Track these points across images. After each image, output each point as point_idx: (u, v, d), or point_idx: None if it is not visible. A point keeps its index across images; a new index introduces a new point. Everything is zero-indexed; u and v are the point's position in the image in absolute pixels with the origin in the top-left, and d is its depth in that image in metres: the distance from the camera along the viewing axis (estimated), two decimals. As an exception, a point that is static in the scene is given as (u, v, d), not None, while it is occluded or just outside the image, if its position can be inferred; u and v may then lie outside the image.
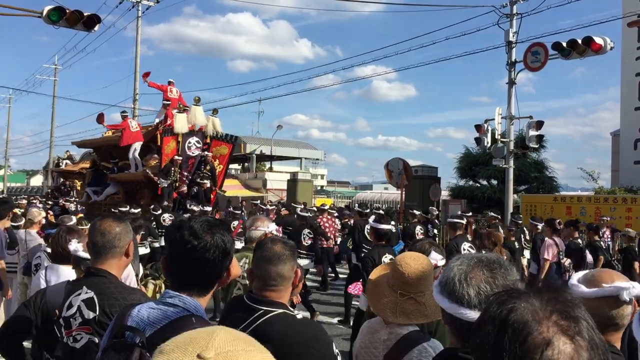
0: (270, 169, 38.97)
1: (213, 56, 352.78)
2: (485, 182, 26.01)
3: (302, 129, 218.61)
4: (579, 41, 14.10)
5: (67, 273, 3.41)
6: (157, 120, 17.10)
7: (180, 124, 15.31)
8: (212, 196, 15.74)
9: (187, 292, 1.76)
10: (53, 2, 11.93)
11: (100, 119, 16.89)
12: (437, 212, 16.50)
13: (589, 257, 8.96)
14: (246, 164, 40.15)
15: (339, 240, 13.02)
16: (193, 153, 15.61)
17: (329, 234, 11.87)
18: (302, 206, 14.21)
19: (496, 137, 16.74)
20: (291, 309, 2.28)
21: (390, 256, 6.09)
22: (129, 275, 3.90)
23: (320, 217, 12.24)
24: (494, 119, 16.68)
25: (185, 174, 15.44)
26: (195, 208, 12.53)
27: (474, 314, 1.50)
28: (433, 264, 3.04)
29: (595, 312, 2.00)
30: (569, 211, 16.88)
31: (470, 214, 14.12)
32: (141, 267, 4.48)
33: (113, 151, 16.98)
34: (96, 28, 12.42)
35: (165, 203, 13.97)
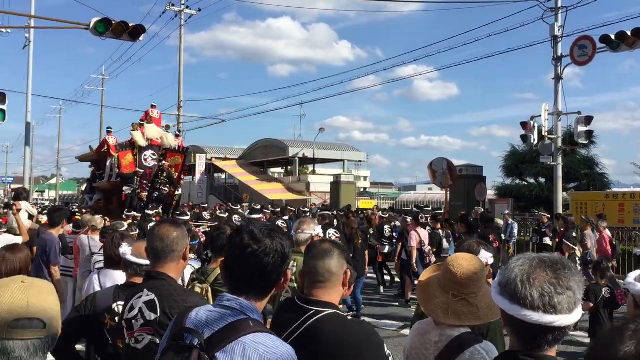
0: (313, 172, 39.06)
1: (253, 62, 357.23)
2: (532, 181, 25.52)
3: (344, 131, 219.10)
4: (629, 33, 13.66)
5: (121, 277, 3.48)
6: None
7: (138, 138, 17.87)
8: (172, 200, 18.27)
9: (245, 296, 1.78)
10: (99, 14, 12.29)
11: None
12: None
13: (446, 244, 11.02)
14: (289, 167, 40.38)
15: None
16: (149, 164, 18.03)
17: None
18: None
19: (543, 134, 16.36)
20: (342, 310, 2.27)
21: None
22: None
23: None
24: (540, 116, 16.33)
25: (145, 182, 17.67)
26: (149, 212, 14.12)
27: (537, 316, 1.46)
28: (484, 262, 2.98)
29: None
30: (621, 208, 16.32)
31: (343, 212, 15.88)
32: (188, 272, 4.52)
33: (100, 163, 19.55)
34: (141, 38, 12.72)
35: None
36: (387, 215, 14.37)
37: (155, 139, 18.31)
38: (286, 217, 14.65)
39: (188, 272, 4.40)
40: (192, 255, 5.28)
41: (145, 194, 17.48)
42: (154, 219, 13.02)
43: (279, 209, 16.37)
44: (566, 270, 1.51)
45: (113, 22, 12.05)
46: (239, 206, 20.36)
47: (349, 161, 39.48)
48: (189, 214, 15.27)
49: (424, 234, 10.81)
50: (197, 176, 36.15)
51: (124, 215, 13.54)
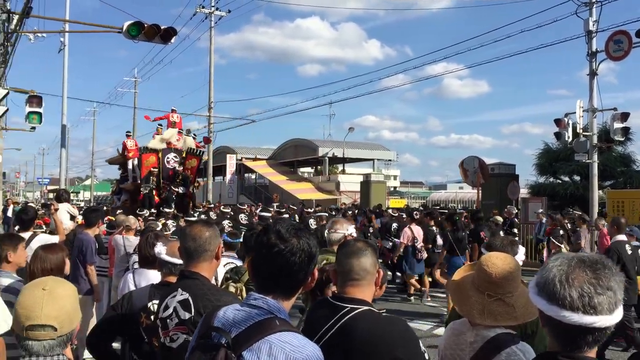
0: (343, 172, 39.02)
1: (282, 62, 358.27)
2: (567, 179, 25.08)
3: (373, 130, 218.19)
4: (666, 26, 13.30)
5: (156, 276, 3.53)
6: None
7: (156, 142, 19.46)
8: (189, 201, 19.40)
9: (272, 295, 1.78)
10: (131, 17, 12.46)
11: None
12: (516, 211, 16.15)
13: (439, 241, 11.20)
14: (319, 167, 40.43)
15: None
16: (171, 166, 19.47)
17: None
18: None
19: (578, 131, 16.04)
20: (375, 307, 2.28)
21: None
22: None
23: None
24: (574, 113, 16.00)
25: (167, 183, 19.10)
26: (168, 210, 15.11)
27: (576, 317, 1.43)
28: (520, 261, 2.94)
29: None
30: (660, 207, 15.89)
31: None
32: (221, 271, 4.57)
33: (126, 166, 20.96)
34: (172, 40, 12.88)
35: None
36: (397, 214, 14.59)
37: (172, 141, 19.56)
38: (286, 216, 15.03)
39: (221, 270, 4.44)
40: (233, 253, 5.31)
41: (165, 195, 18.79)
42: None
43: (283, 209, 16.84)
44: (606, 270, 1.47)
45: (145, 25, 12.22)
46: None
47: (378, 160, 39.39)
48: (195, 216, 15.62)
49: (418, 230, 11.17)
50: (228, 176, 36.50)
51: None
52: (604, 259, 1.51)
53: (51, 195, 42.75)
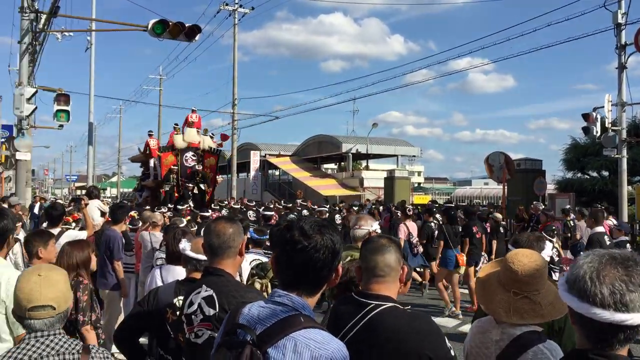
0: (367, 168, 38.87)
1: (305, 58, 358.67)
2: (595, 174, 24.67)
3: (397, 125, 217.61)
4: (699, 17, 12.97)
5: (183, 272, 3.55)
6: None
7: (178, 141, 20.02)
8: (207, 197, 20.01)
9: (296, 292, 1.78)
10: (156, 16, 12.58)
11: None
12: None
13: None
14: (342, 163, 40.38)
15: None
16: (189, 164, 19.99)
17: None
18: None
19: (606, 125, 15.78)
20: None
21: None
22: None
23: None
24: (603, 107, 15.75)
25: (185, 180, 19.72)
26: (179, 207, 15.39)
27: (607, 314, 1.40)
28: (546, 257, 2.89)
29: None
30: (691, 202, 15.53)
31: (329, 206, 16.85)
32: (246, 268, 4.58)
33: (147, 164, 21.69)
34: (197, 38, 12.96)
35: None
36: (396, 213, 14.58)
37: (194, 142, 20.07)
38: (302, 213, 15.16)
39: (246, 267, 4.45)
40: (260, 250, 5.33)
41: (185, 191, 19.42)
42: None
43: (290, 204, 17.17)
44: (638, 266, 1.44)
45: (170, 23, 12.33)
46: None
47: (402, 156, 39.09)
48: (209, 211, 15.78)
49: (413, 226, 11.56)
50: (252, 173, 36.64)
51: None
52: (635, 255, 1.48)
53: (79, 192, 43.42)
